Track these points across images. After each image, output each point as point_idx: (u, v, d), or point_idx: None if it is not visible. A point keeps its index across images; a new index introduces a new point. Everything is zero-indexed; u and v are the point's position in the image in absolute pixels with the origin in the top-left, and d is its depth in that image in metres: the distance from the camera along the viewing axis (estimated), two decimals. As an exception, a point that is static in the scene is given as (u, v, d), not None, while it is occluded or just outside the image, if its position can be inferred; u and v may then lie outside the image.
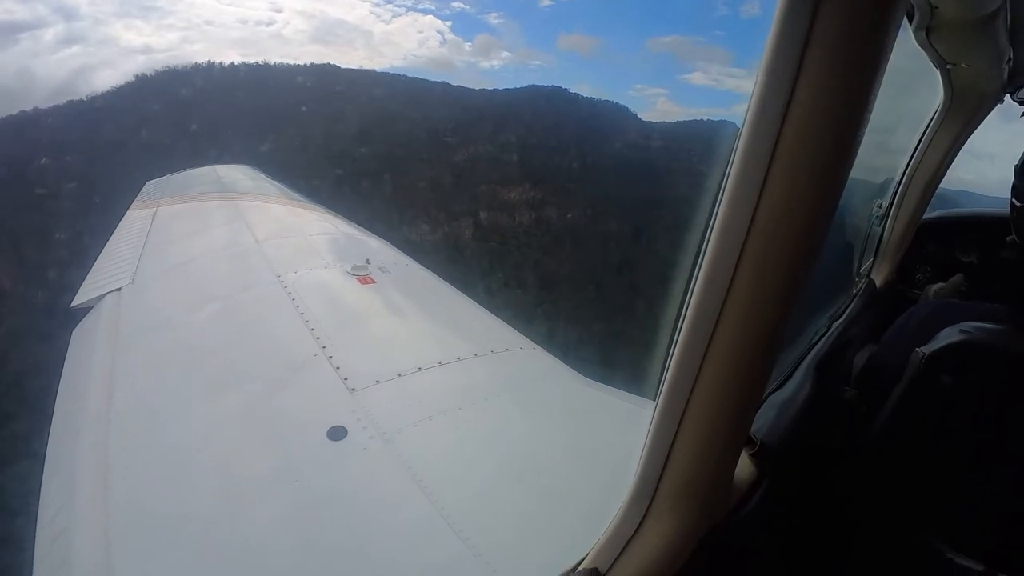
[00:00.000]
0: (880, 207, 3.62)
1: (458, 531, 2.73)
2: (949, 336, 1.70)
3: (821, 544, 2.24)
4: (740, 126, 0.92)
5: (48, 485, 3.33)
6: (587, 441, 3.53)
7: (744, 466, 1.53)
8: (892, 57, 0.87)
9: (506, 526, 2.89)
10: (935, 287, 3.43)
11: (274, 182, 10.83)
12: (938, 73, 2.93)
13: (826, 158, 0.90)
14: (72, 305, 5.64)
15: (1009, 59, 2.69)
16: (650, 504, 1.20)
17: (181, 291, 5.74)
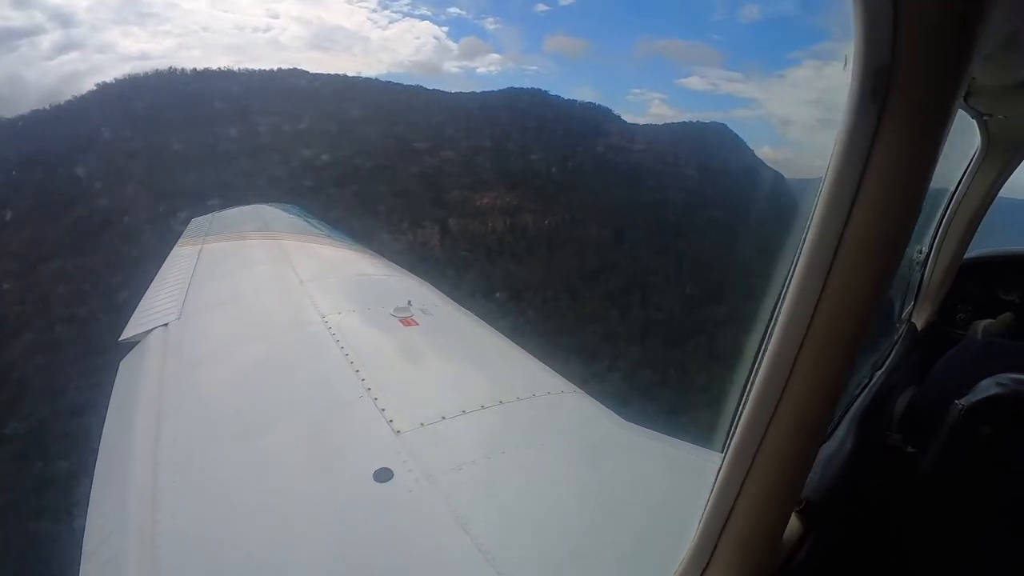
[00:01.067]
0: (920, 252, 3.61)
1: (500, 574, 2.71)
2: (987, 389, 1.69)
3: None
4: (817, 194, 0.99)
5: (94, 516, 3.38)
6: (632, 488, 3.49)
7: (793, 522, 1.55)
8: None
9: (551, 573, 2.86)
10: (984, 323, 3.39)
11: (316, 221, 11.06)
12: (975, 122, 2.95)
13: (888, 239, 0.98)
14: (121, 339, 5.78)
15: None
16: (711, 558, 1.23)
17: (227, 329, 5.86)
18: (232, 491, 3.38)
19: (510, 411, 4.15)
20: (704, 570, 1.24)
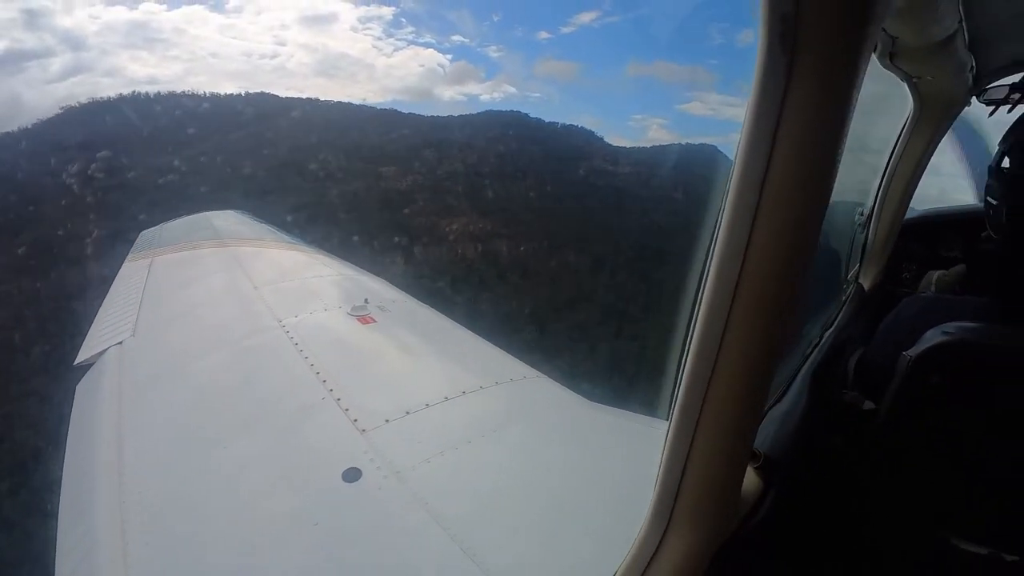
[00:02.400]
0: (862, 215, 3.73)
1: (480, 563, 2.76)
2: (933, 338, 1.77)
3: (831, 544, 2.31)
4: (733, 158, 1.01)
5: (64, 540, 3.34)
6: (598, 464, 3.57)
7: (750, 479, 1.60)
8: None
9: (527, 554, 2.93)
10: (937, 273, 3.51)
11: (266, 226, 10.90)
12: (906, 85, 3.05)
13: (810, 187, 1.00)
14: (76, 363, 5.66)
15: (972, 67, 2.82)
16: (669, 521, 1.28)
17: (184, 341, 5.77)
18: (202, 505, 3.35)
19: (474, 400, 4.19)
20: (664, 533, 1.28)
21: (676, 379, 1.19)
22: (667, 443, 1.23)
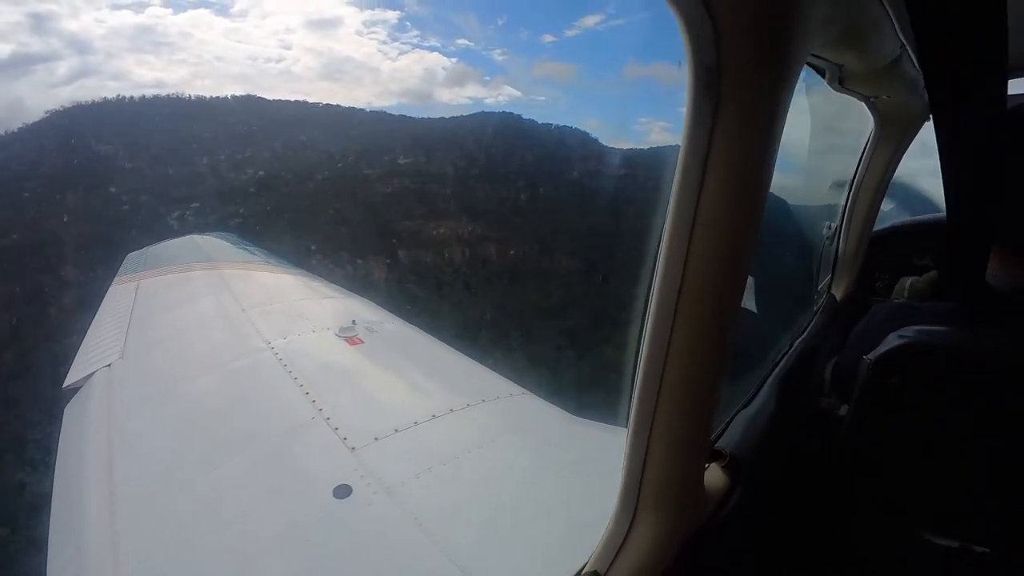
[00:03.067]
0: (830, 228, 3.84)
1: (468, 573, 2.84)
2: (891, 341, 1.83)
3: (799, 540, 2.39)
4: (671, 190, 1.13)
5: (55, 560, 3.37)
6: (579, 473, 3.64)
7: (718, 477, 1.71)
8: (823, 94, 1.12)
9: (511, 559, 3.01)
10: (910, 280, 3.59)
11: (253, 248, 10.95)
12: (864, 105, 3.17)
13: (740, 205, 1.12)
14: (65, 386, 5.67)
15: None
16: (635, 510, 1.38)
17: (172, 364, 5.80)
18: (194, 525, 3.39)
19: (461, 417, 4.27)
20: (632, 520, 1.37)
21: (632, 384, 1.29)
22: (628, 440, 1.33)
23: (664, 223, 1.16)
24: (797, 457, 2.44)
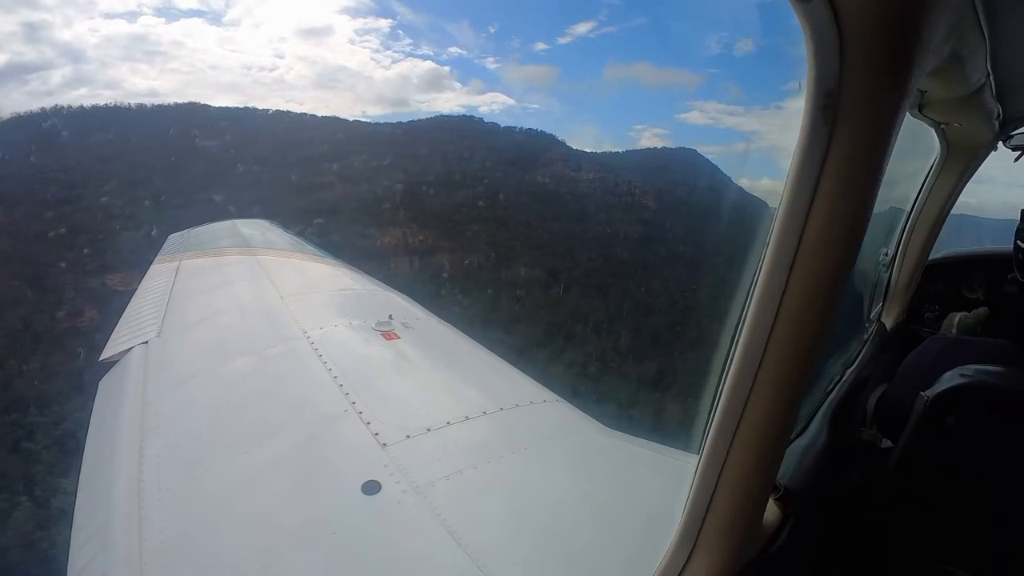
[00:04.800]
0: (887, 255, 3.75)
1: None
2: (951, 380, 1.82)
3: (842, 571, 2.33)
4: (776, 210, 1.11)
5: (79, 539, 3.37)
6: (615, 490, 3.57)
7: (771, 509, 1.67)
8: None
9: (539, 572, 2.94)
10: (959, 315, 3.52)
11: (293, 236, 11.04)
12: (934, 130, 3.10)
13: (842, 241, 1.09)
14: (101, 359, 5.74)
15: (999, 114, 2.88)
16: (695, 542, 1.34)
17: (208, 345, 5.84)
18: (219, 509, 3.39)
19: (494, 421, 4.21)
20: (689, 556, 1.34)
21: (711, 412, 1.26)
22: (697, 473, 1.30)
23: (764, 246, 1.13)
24: (843, 489, 2.38)
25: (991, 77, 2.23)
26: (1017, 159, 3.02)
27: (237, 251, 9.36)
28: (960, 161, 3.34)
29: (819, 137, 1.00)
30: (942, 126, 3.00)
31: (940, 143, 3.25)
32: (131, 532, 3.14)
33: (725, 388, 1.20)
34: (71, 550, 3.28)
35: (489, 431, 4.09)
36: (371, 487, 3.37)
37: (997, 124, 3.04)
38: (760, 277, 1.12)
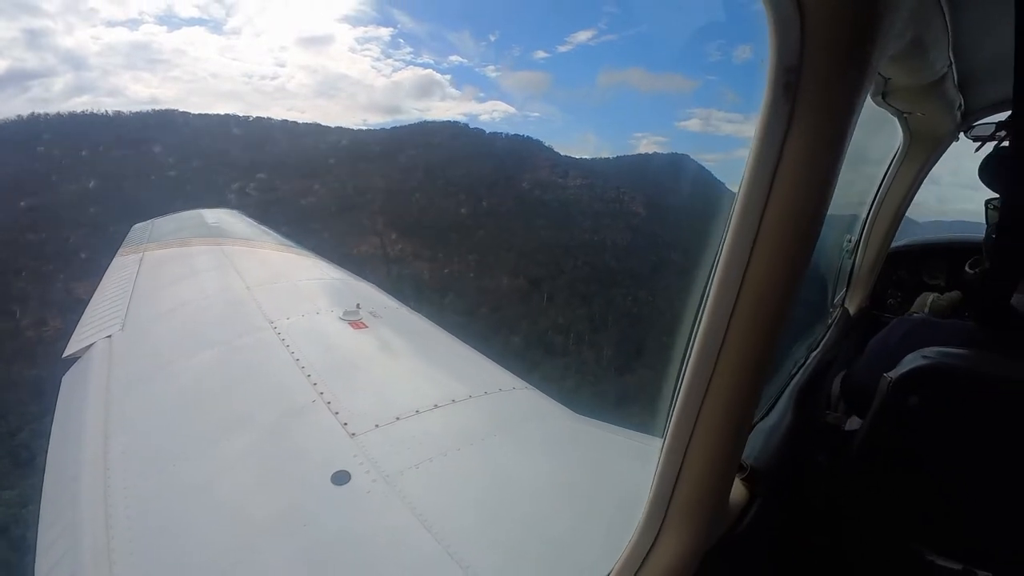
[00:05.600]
0: (850, 241, 3.82)
1: (466, 568, 2.80)
2: (913, 361, 1.85)
3: (812, 553, 2.38)
4: (736, 193, 1.11)
5: (45, 535, 3.33)
6: (584, 474, 3.61)
7: (737, 489, 1.71)
8: None
9: (507, 558, 2.97)
10: (931, 297, 3.60)
11: (260, 226, 10.89)
12: (896, 119, 3.16)
13: (803, 222, 1.10)
14: (65, 355, 5.64)
15: (960, 105, 2.94)
16: (662, 523, 1.36)
17: (173, 338, 5.77)
18: (187, 503, 3.36)
19: (464, 409, 4.22)
20: (657, 536, 1.36)
21: (672, 400, 1.28)
22: (662, 454, 1.32)
23: (724, 229, 1.14)
24: (809, 470, 2.43)
25: (953, 67, 2.28)
26: (977, 149, 3.09)
27: (202, 241, 9.21)
28: (923, 151, 3.41)
29: (780, 116, 1.01)
30: (905, 115, 3.05)
31: (903, 132, 3.31)
32: (98, 528, 3.12)
33: (688, 370, 1.22)
34: (38, 549, 3.23)
35: (458, 419, 4.10)
36: (340, 477, 3.37)
37: (959, 114, 3.11)
38: (721, 258, 1.13)
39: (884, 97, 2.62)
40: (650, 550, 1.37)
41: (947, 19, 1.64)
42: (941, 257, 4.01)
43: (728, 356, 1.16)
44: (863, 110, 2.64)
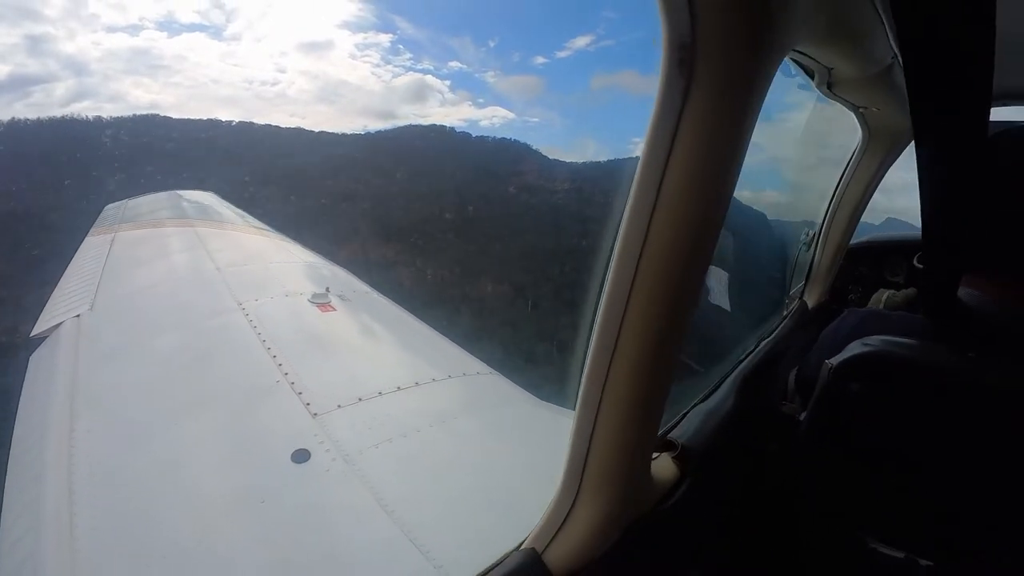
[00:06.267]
0: (807, 235, 3.86)
1: (417, 542, 2.89)
2: (855, 348, 1.85)
3: (744, 538, 2.44)
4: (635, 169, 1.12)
5: (8, 515, 3.35)
6: (538, 454, 3.66)
7: (668, 467, 1.75)
8: (812, 101, 1.11)
9: (461, 533, 3.04)
10: (887, 293, 3.63)
11: (234, 208, 10.84)
12: (854, 115, 3.18)
13: (702, 198, 1.11)
14: (32, 335, 5.63)
15: None
16: (577, 492, 1.39)
17: (142, 318, 5.78)
18: (150, 480, 3.39)
19: (426, 392, 4.30)
20: (574, 501, 1.39)
21: (581, 369, 1.30)
22: (574, 423, 1.34)
23: (624, 205, 1.15)
24: (753, 457, 2.48)
25: (898, 58, 2.22)
26: None
27: (175, 223, 9.16)
28: (881, 147, 3.39)
29: (675, 94, 1.01)
30: (861, 110, 3.02)
31: (862, 128, 3.27)
32: (61, 507, 3.15)
33: (592, 342, 1.24)
34: (1, 528, 3.27)
35: (420, 401, 4.17)
36: (300, 455, 3.44)
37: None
38: (620, 234, 1.15)
39: (831, 88, 2.58)
40: (565, 519, 1.41)
41: (875, 3, 1.62)
42: (902, 254, 4.03)
43: (629, 331, 1.19)
44: (822, 104, 2.65)
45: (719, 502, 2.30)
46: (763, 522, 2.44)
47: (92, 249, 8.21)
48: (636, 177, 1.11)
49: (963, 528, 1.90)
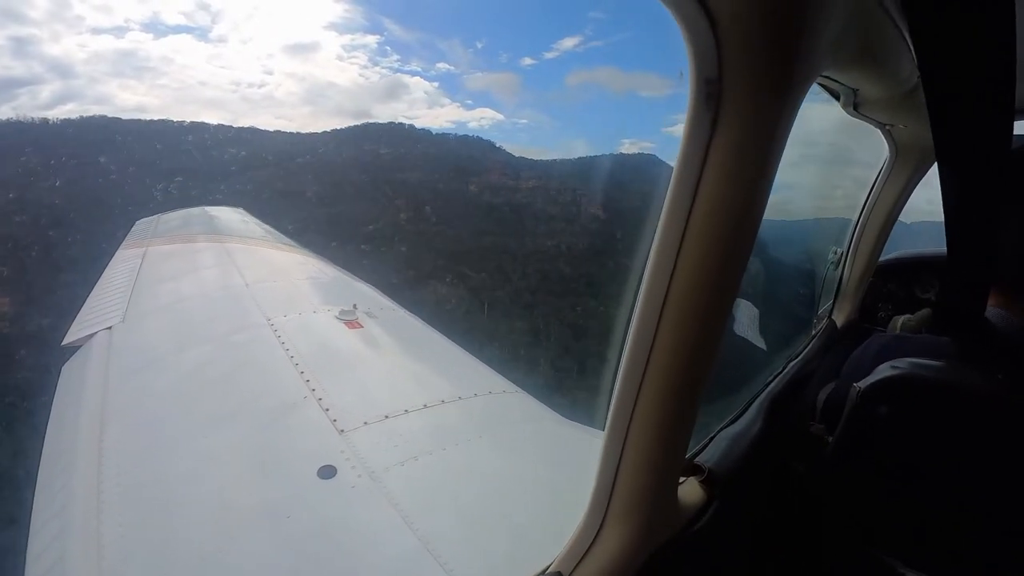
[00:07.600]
0: (836, 253, 3.82)
1: (442, 561, 2.86)
2: (882, 372, 1.83)
3: (771, 562, 2.39)
4: (664, 195, 1.13)
5: (38, 523, 3.39)
6: (564, 475, 3.63)
7: (695, 491, 1.73)
8: (837, 117, 1.10)
9: (487, 553, 3.03)
10: (902, 318, 3.57)
11: (262, 225, 10.99)
12: (880, 132, 3.15)
13: (731, 224, 1.11)
14: (64, 343, 5.73)
15: None
16: (604, 516, 1.38)
17: (172, 331, 5.85)
18: (177, 493, 3.42)
19: (453, 410, 4.29)
20: (601, 525, 1.38)
21: (611, 393, 1.30)
22: (603, 447, 1.34)
23: (654, 231, 1.15)
24: (780, 479, 2.44)
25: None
26: None
27: (205, 238, 9.32)
28: (909, 164, 3.35)
29: (703, 128, 1.02)
30: (887, 127, 3.00)
31: (889, 145, 3.25)
32: (90, 517, 3.18)
33: (622, 368, 1.24)
34: (30, 534, 3.30)
35: (446, 419, 4.16)
36: (327, 471, 3.44)
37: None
38: (651, 257, 1.15)
39: (857, 108, 2.57)
40: (592, 543, 1.40)
41: (900, 28, 1.62)
42: (932, 270, 3.97)
43: (662, 350, 1.19)
44: (848, 120, 2.63)
45: (746, 526, 2.27)
46: (791, 546, 2.40)
47: (124, 262, 8.35)
48: (665, 205, 1.11)
49: (995, 553, 1.86)
